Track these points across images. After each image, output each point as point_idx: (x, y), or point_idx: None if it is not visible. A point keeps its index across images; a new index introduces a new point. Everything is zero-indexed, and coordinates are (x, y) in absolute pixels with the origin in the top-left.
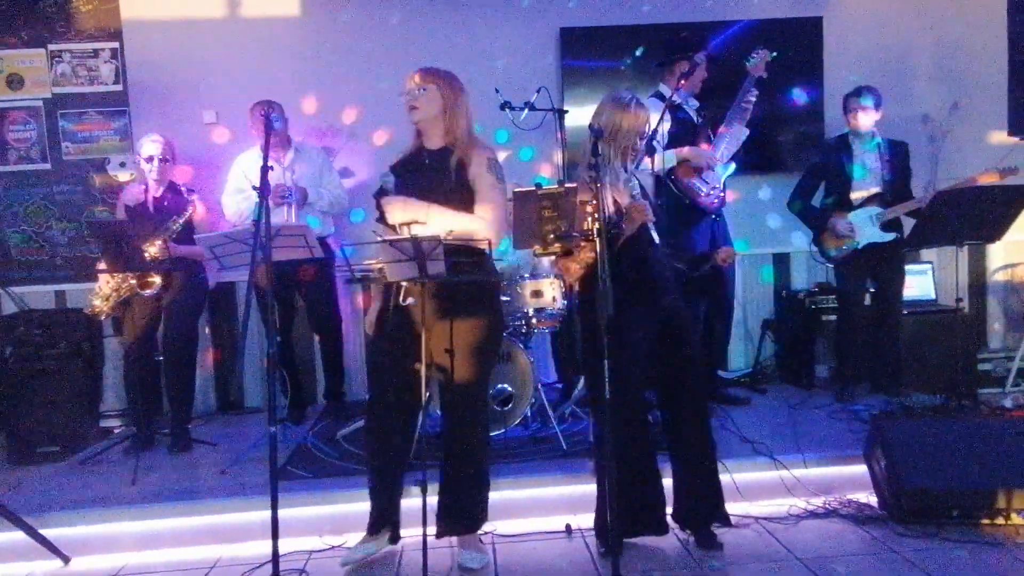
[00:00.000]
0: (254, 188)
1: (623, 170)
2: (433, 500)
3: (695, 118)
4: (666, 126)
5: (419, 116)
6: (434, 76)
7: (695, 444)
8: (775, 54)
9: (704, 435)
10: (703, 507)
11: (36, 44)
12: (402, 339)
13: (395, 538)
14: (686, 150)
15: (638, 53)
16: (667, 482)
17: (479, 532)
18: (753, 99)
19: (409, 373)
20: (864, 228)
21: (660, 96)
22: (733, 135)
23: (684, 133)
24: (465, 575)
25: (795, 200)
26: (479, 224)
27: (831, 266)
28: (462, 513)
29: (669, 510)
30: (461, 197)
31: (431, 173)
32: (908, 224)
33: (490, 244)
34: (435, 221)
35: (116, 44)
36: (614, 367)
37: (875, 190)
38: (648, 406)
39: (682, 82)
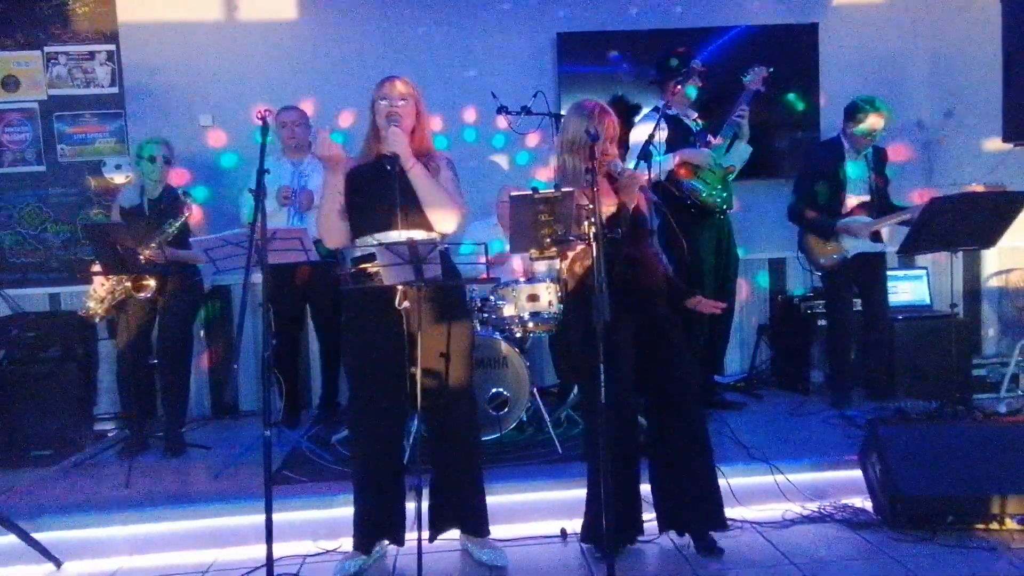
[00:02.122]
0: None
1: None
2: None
3: (693, 127)
4: (662, 134)
5: (405, 127)
6: (412, 88)
7: (689, 449)
8: (771, 69)
9: (699, 440)
10: (699, 511)
11: (32, 46)
12: (393, 343)
13: (401, 541)
14: (686, 152)
15: (629, 59)
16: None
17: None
18: (745, 112)
19: (401, 377)
20: (854, 237)
21: (659, 110)
22: (735, 151)
23: (683, 141)
24: (494, 572)
25: (799, 207)
26: (455, 199)
27: (818, 274)
28: (476, 515)
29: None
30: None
31: (398, 181)
32: (893, 236)
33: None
34: (416, 173)
35: (112, 47)
36: (607, 371)
37: (864, 198)
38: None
39: (674, 96)
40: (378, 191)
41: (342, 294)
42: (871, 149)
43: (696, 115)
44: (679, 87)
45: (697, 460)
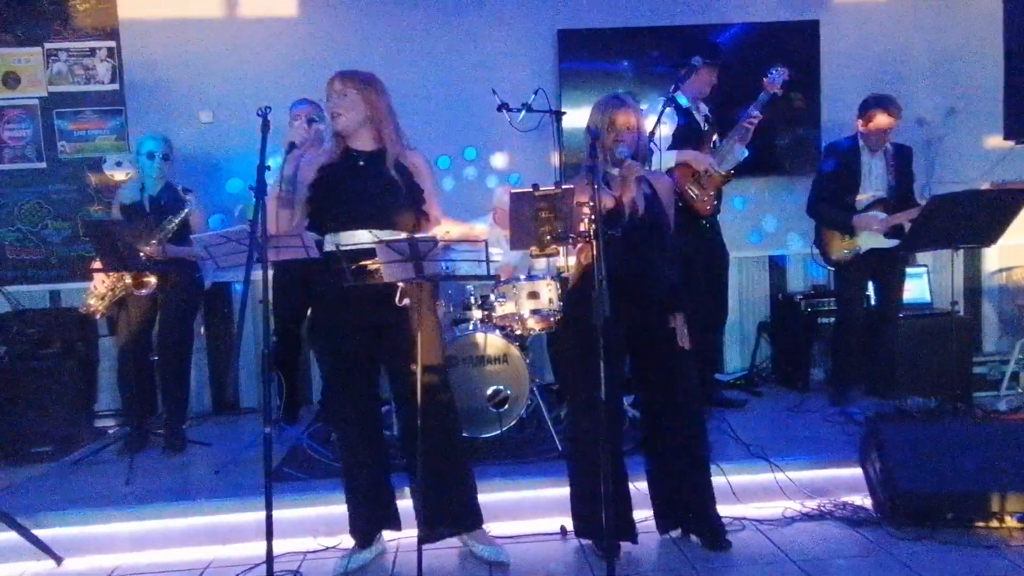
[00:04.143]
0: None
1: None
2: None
3: (703, 123)
4: (664, 128)
5: (343, 123)
6: (354, 81)
7: (687, 450)
8: (791, 73)
9: (697, 442)
10: (695, 513)
11: (32, 42)
12: (361, 342)
13: (398, 526)
14: (689, 154)
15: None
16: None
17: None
18: (757, 119)
19: (371, 374)
20: (867, 233)
21: (672, 100)
22: (732, 153)
23: (690, 136)
24: (495, 569)
25: (816, 205)
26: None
27: (831, 269)
28: (467, 511)
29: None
30: (403, 198)
31: (368, 176)
32: None
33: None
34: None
35: (113, 43)
36: (593, 367)
37: (879, 195)
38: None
39: (681, 85)
40: (347, 188)
41: (312, 296)
42: (891, 146)
43: (707, 109)
44: (681, 84)
45: (695, 462)
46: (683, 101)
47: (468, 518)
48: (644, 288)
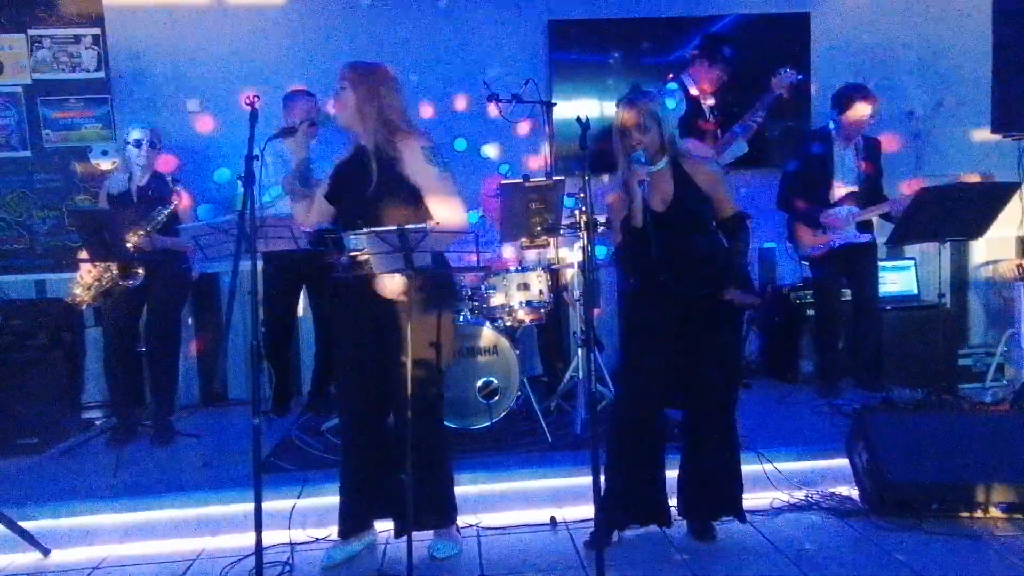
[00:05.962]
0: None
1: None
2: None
3: (708, 116)
4: None
5: (338, 120)
6: (350, 73)
7: (710, 440)
8: (800, 77)
9: (722, 432)
10: (709, 499)
11: (16, 28)
12: (369, 334)
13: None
14: (689, 143)
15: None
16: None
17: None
18: (762, 117)
19: (378, 368)
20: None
21: (683, 86)
22: (731, 148)
23: (694, 126)
24: (434, 563)
25: (787, 195)
26: (451, 223)
27: (805, 263)
28: (442, 506)
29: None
30: (391, 193)
31: (363, 175)
32: (883, 226)
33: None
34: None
35: (98, 30)
36: (624, 359)
37: (852, 188)
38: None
39: (678, 73)
40: (349, 188)
41: (331, 284)
42: (861, 138)
43: (712, 103)
44: (674, 76)
45: (718, 450)
46: (693, 91)
47: (438, 515)
48: (686, 274)
